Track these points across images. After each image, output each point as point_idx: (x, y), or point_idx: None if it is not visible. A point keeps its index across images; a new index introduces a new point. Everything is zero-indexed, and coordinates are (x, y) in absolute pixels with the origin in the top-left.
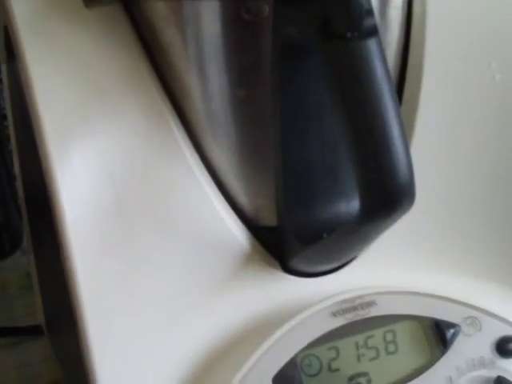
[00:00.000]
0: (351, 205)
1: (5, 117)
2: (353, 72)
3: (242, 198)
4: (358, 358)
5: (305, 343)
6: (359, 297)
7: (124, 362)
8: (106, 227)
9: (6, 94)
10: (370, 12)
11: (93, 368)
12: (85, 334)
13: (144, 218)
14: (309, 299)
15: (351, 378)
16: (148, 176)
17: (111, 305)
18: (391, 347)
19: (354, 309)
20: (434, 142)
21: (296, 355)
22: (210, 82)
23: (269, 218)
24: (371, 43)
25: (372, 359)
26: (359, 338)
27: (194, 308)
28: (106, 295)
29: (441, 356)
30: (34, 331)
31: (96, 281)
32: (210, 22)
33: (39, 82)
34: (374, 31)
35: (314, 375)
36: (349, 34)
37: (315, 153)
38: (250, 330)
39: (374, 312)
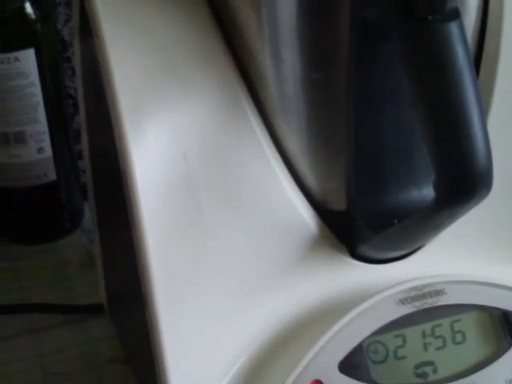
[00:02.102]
0: (423, 192)
1: (69, 96)
2: (433, 56)
3: (312, 182)
4: (425, 347)
5: (371, 330)
6: (428, 285)
7: (192, 342)
8: (177, 206)
9: (78, 70)
10: None
11: (160, 346)
12: (154, 312)
13: (214, 197)
14: (376, 286)
15: (417, 367)
16: (220, 155)
17: (181, 283)
18: (458, 337)
19: (423, 297)
20: (509, 127)
21: (362, 342)
22: (284, 63)
23: (338, 203)
24: (453, 26)
25: (438, 348)
26: (426, 327)
27: (261, 290)
28: (176, 274)
29: (508, 347)
30: (95, 309)
31: (166, 259)
32: (286, 2)
33: (116, 57)
34: (456, 14)
35: (380, 362)
36: (430, 17)
37: (389, 137)
38: (316, 315)
39: (442, 301)
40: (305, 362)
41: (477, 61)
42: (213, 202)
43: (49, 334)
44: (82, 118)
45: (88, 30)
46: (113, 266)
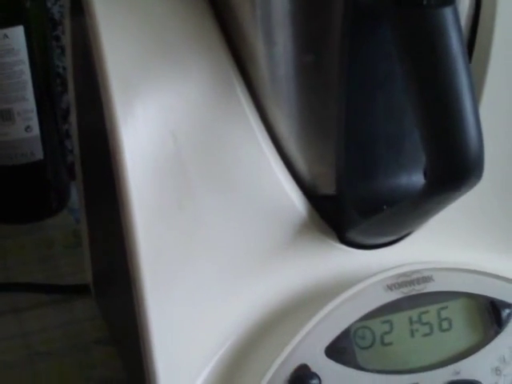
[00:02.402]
0: (412, 178)
1: (58, 75)
2: (427, 41)
3: (302, 166)
4: (412, 334)
5: (359, 315)
6: (416, 271)
7: (179, 323)
8: (166, 187)
9: (68, 49)
10: None
11: (147, 327)
12: (140, 293)
13: (204, 179)
14: (364, 271)
15: (404, 353)
16: (210, 137)
17: (169, 264)
18: (445, 324)
19: (410, 283)
20: (499, 114)
21: (350, 327)
22: (276, 47)
23: (327, 187)
24: (447, 12)
25: (425, 335)
26: (413, 313)
27: (250, 274)
28: (163, 254)
29: (495, 336)
30: (80, 290)
31: (154, 239)
32: None
33: (107, 36)
34: (450, 0)
35: (367, 348)
36: (425, 1)
37: (380, 123)
38: (304, 300)
39: (429, 288)
40: (291, 346)
41: (470, 47)
42: (202, 184)
43: (34, 313)
44: (71, 96)
45: (80, 8)
46: (99, 246)
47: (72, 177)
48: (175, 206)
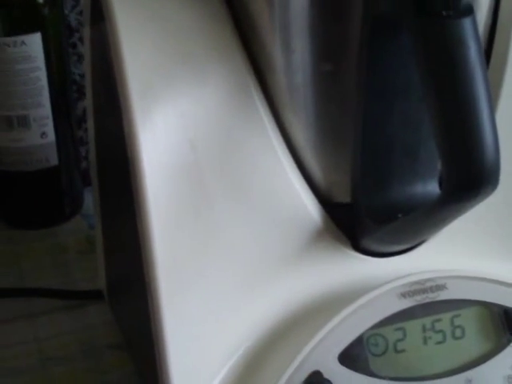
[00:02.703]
0: (427, 187)
1: (74, 82)
2: (446, 52)
3: (318, 174)
4: (425, 341)
5: (372, 322)
6: (430, 279)
7: (193, 329)
8: (183, 194)
9: (87, 55)
10: None
11: (161, 333)
12: (156, 299)
13: (221, 187)
14: (378, 279)
15: (416, 361)
16: (227, 145)
17: (185, 271)
18: (458, 332)
19: (424, 291)
20: None
21: (363, 334)
22: (294, 54)
23: (343, 196)
24: (467, 23)
25: (438, 343)
26: (427, 321)
27: (265, 281)
28: (180, 261)
29: (507, 344)
30: (94, 295)
31: (171, 246)
32: None
33: (127, 43)
34: (469, 10)
35: (380, 355)
36: (444, 12)
37: (396, 132)
38: (318, 307)
39: (443, 296)
40: (305, 352)
41: (487, 57)
42: (219, 191)
43: (47, 318)
44: (88, 103)
45: (99, 14)
46: (114, 252)
47: (86, 183)
48: (192, 213)
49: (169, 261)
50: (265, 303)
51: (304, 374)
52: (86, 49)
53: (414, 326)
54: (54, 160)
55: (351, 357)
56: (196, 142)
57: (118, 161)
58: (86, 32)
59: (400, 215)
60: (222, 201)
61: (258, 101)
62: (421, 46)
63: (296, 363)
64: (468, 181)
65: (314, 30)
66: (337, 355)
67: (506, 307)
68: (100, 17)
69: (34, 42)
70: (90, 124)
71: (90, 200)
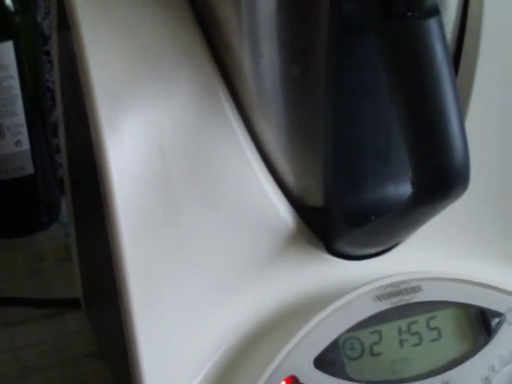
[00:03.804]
0: (400, 189)
1: (48, 89)
2: (412, 53)
3: (290, 177)
4: (401, 344)
5: (347, 326)
6: (404, 281)
7: (167, 337)
8: (153, 200)
9: (56, 63)
10: None
11: (134, 341)
12: (128, 306)
13: (191, 192)
14: (353, 282)
15: (393, 363)
16: (197, 151)
17: (156, 279)
18: (434, 334)
19: (399, 293)
20: (486, 125)
21: (338, 338)
22: (263, 59)
23: (315, 199)
24: (432, 23)
25: (414, 345)
26: (402, 323)
27: (237, 286)
28: (151, 269)
29: (484, 345)
30: (71, 304)
31: (142, 254)
32: None
33: (92, 50)
34: (435, 11)
35: (356, 358)
36: (409, 13)
37: (366, 134)
38: (292, 311)
39: (418, 297)
40: (280, 357)
41: (456, 58)
42: (189, 197)
43: (24, 327)
44: (59, 111)
45: (65, 22)
46: (89, 260)
47: (62, 191)
48: (162, 220)
49: (140, 268)
50: (238, 308)
51: (279, 379)
52: (54, 57)
53: (389, 329)
54: (29, 168)
55: (327, 361)
56: (164, 148)
57: (88, 169)
58: (54, 40)
59: (373, 217)
60: (192, 207)
61: (227, 106)
62: (386, 48)
63: (271, 368)
64: (438, 182)
65: (281, 34)
66: (312, 360)
67: (482, 307)
68: (66, 25)
69: (6, 51)
70: (62, 132)
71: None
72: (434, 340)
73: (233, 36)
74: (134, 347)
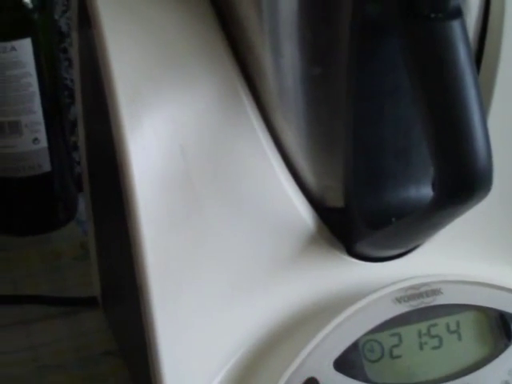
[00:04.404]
0: (421, 191)
1: (65, 87)
2: (435, 54)
3: (310, 178)
4: (421, 347)
5: (367, 328)
6: (425, 284)
7: (187, 336)
8: (174, 199)
9: (76, 61)
10: None
11: (154, 339)
12: (148, 305)
13: (212, 192)
14: (373, 284)
15: (412, 366)
16: (218, 150)
17: (176, 277)
18: (454, 337)
19: (419, 296)
20: (508, 126)
21: (358, 340)
22: (284, 59)
23: (336, 200)
24: (455, 25)
25: (434, 348)
26: (422, 326)
27: (257, 286)
28: (171, 268)
29: (504, 349)
30: (88, 302)
31: (162, 252)
32: None
33: (114, 48)
34: (458, 13)
35: (376, 361)
36: (433, 15)
37: (388, 135)
38: (312, 312)
39: (438, 300)
40: (300, 359)
41: (477, 59)
42: (210, 196)
43: (42, 325)
44: (78, 108)
45: (86, 20)
46: (107, 258)
47: (80, 188)
48: (183, 219)
49: (160, 266)
50: (258, 309)
51: (299, 381)
52: (74, 54)
53: (409, 332)
54: (46, 166)
55: (347, 363)
56: (186, 147)
57: (109, 166)
58: (74, 37)
59: (394, 219)
60: (213, 206)
61: (248, 105)
62: (409, 49)
63: (291, 370)
64: (461, 185)
65: (302, 34)
66: (332, 361)
67: (502, 311)
68: (87, 22)
69: (24, 48)
70: (81, 130)
71: (84, 206)
72: (453, 343)
73: (254, 35)
74: (153, 345)
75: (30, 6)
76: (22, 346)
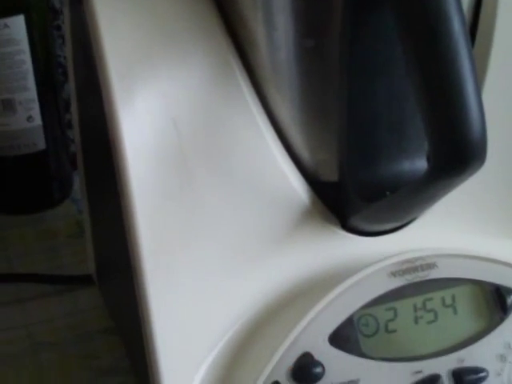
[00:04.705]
0: (415, 164)
1: (59, 65)
2: (429, 25)
3: (304, 152)
4: (416, 321)
5: (362, 303)
6: (420, 258)
7: (180, 311)
8: (166, 173)
9: (68, 37)
10: None
11: (148, 315)
12: (142, 281)
13: (204, 165)
14: (368, 258)
15: (408, 340)
16: (211, 124)
17: (170, 252)
18: (450, 311)
19: (414, 270)
20: (503, 98)
21: (353, 314)
22: (277, 31)
23: (330, 174)
24: None
25: (429, 322)
26: (417, 300)
27: (251, 261)
28: (164, 243)
29: (500, 322)
30: (84, 280)
31: (156, 229)
32: None
33: (105, 24)
34: None
35: (371, 335)
36: None
37: (382, 108)
38: (307, 287)
39: (433, 274)
40: (294, 334)
41: (472, 30)
42: (203, 171)
43: (37, 303)
44: (71, 86)
45: None
46: (102, 235)
47: (74, 167)
48: (176, 194)
49: (153, 242)
50: (252, 284)
51: (294, 356)
52: (66, 31)
53: (404, 306)
54: (41, 144)
55: (342, 338)
56: (178, 121)
57: (102, 143)
58: (66, 14)
59: (388, 193)
60: (205, 180)
61: (241, 78)
62: (402, 21)
63: (286, 344)
64: (454, 156)
65: (296, 6)
66: (327, 336)
67: (498, 285)
68: None
69: (18, 25)
70: (74, 107)
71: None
72: (449, 317)
73: (247, 8)
74: (147, 321)
75: None
76: (16, 324)
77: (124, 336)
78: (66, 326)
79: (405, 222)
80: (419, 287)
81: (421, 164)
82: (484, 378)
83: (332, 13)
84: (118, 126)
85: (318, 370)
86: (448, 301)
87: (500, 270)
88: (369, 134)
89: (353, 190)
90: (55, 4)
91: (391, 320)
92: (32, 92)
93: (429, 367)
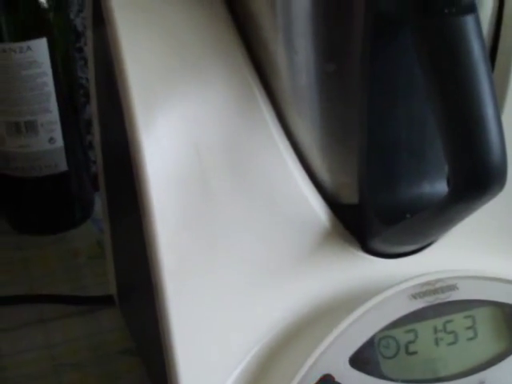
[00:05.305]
0: (435, 187)
1: (81, 86)
2: (449, 49)
3: (324, 175)
4: (436, 342)
5: (383, 324)
6: (440, 280)
7: (202, 333)
8: (188, 197)
9: (90, 60)
10: None
11: (170, 337)
12: (163, 303)
13: (226, 189)
14: (388, 280)
15: (428, 362)
16: (232, 147)
17: (191, 275)
18: (470, 333)
19: (435, 292)
20: None
21: (374, 336)
22: (297, 55)
23: (350, 196)
24: (469, 20)
25: (450, 344)
26: (438, 322)
27: (272, 283)
28: (186, 266)
29: None
30: (105, 300)
31: (176, 250)
32: None
33: (128, 47)
34: (472, 8)
35: (391, 357)
36: (446, 10)
37: (402, 131)
38: (327, 309)
39: (454, 296)
40: (315, 355)
41: (492, 55)
42: (224, 194)
43: (59, 324)
44: (93, 108)
45: (101, 18)
46: (123, 256)
47: (96, 187)
48: (198, 217)
49: (175, 264)
50: (274, 306)
51: (315, 378)
52: (89, 53)
53: (425, 328)
54: (63, 165)
55: (362, 360)
56: (200, 145)
57: (124, 166)
58: (89, 36)
59: (408, 215)
60: (227, 204)
61: (262, 103)
62: (423, 45)
63: (307, 366)
64: (474, 180)
65: (317, 31)
66: (348, 358)
67: None
68: (101, 21)
69: (40, 48)
70: (96, 129)
71: (100, 205)
72: (469, 339)
73: (267, 32)
74: (169, 343)
75: (46, 5)
76: (38, 345)
77: (145, 357)
78: (87, 346)
79: (425, 244)
80: (440, 309)
81: (441, 187)
82: None
83: (352, 36)
84: (141, 150)
85: None
86: (468, 323)
87: None
88: (389, 157)
89: (373, 213)
90: (77, 26)
91: (412, 342)
92: (54, 114)
93: None
